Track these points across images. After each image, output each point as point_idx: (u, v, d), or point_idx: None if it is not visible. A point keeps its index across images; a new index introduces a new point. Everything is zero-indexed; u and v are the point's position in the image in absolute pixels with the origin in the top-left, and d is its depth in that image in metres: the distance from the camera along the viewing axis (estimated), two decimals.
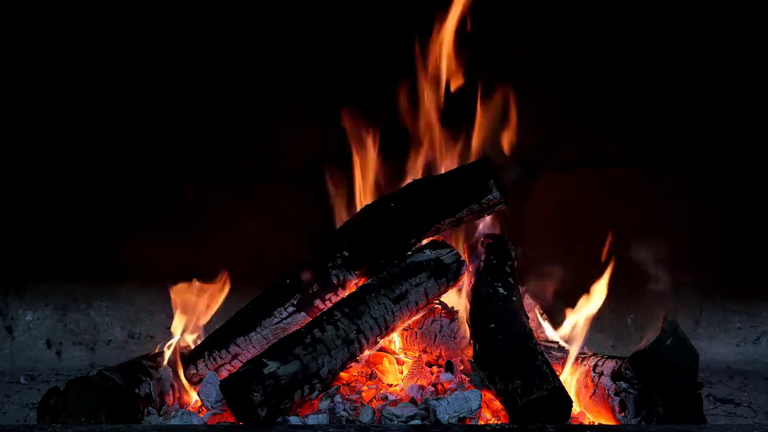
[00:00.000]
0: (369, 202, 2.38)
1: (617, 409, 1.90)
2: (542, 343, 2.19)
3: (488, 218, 2.40)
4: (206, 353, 2.20)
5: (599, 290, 2.29)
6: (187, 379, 2.17)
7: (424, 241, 2.30)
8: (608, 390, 1.94)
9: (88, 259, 3.06)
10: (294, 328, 2.11)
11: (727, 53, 2.99)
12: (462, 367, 2.19)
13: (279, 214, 3.02)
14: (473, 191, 2.20)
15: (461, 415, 1.88)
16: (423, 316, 2.28)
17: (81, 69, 2.98)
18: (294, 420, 1.88)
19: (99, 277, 3.08)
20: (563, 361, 2.14)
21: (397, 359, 2.27)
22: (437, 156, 2.51)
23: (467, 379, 2.10)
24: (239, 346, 2.18)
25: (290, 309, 2.20)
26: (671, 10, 2.96)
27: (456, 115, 2.50)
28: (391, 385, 2.18)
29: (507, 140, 2.50)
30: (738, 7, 2.93)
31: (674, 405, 1.83)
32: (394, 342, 2.34)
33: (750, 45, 2.98)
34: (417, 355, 2.30)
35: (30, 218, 3.05)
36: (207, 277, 2.83)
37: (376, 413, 1.93)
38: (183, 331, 2.28)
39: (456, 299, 2.39)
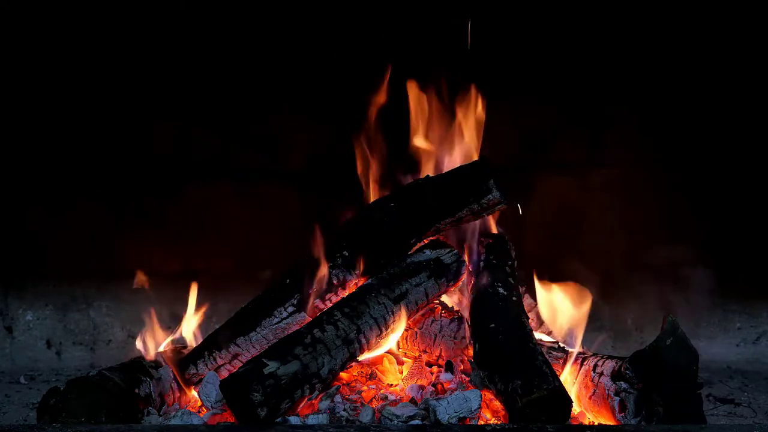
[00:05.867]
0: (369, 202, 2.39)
1: (617, 409, 1.90)
2: (542, 343, 2.19)
3: (488, 218, 2.40)
4: (206, 353, 2.20)
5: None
6: (187, 379, 2.17)
7: (424, 241, 2.30)
8: (608, 390, 1.94)
9: (88, 259, 3.06)
10: (294, 328, 2.11)
11: (729, 53, 2.99)
12: (462, 367, 2.19)
13: (279, 214, 3.02)
14: (473, 191, 2.20)
15: (461, 415, 1.88)
16: (423, 316, 2.28)
17: (82, 70, 2.98)
18: (294, 420, 1.88)
19: (99, 277, 3.08)
20: (563, 361, 2.14)
21: (397, 359, 2.27)
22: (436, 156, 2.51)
23: (467, 379, 2.10)
24: (239, 346, 2.18)
25: (290, 309, 2.20)
26: (672, 11, 2.96)
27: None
28: (391, 385, 2.18)
29: None
30: (737, 8, 2.93)
31: (674, 405, 1.83)
32: (394, 342, 2.34)
33: (750, 45, 2.98)
34: (417, 355, 2.30)
35: (30, 218, 3.05)
36: (207, 276, 2.84)
37: (376, 413, 1.93)
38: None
39: (456, 299, 2.38)
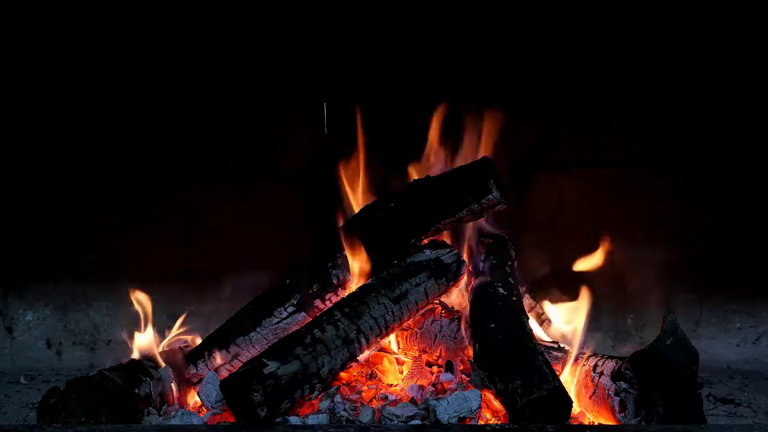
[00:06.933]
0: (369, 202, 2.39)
1: (617, 409, 1.90)
2: (542, 343, 2.19)
3: (488, 218, 2.40)
4: (206, 353, 2.20)
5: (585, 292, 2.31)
6: (187, 379, 2.17)
7: (424, 241, 2.30)
8: (608, 390, 1.94)
9: (88, 259, 3.06)
10: (294, 328, 2.11)
11: (727, 55, 2.99)
12: (462, 367, 2.19)
13: (279, 214, 3.02)
14: (473, 191, 2.20)
15: (461, 415, 1.88)
16: (423, 316, 2.28)
17: (82, 69, 2.98)
18: (294, 420, 1.88)
19: (99, 277, 3.08)
20: (563, 361, 2.14)
21: (397, 359, 2.27)
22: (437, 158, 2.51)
23: (467, 379, 2.10)
24: (239, 346, 2.19)
25: (290, 309, 2.20)
26: (672, 12, 2.96)
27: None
28: (391, 385, 2.18)
29: None
30: (737, 9, 2.93)
31: (674, 405, 1.83)
32: (394, 342, 2.34)
33: (749, 46, 2.98)
34: (417, 355, 2.30)
35: (30, 218, 3.04)
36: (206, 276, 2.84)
37: (376, 413, 1.93)
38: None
39: (456, 299, 2.38)
